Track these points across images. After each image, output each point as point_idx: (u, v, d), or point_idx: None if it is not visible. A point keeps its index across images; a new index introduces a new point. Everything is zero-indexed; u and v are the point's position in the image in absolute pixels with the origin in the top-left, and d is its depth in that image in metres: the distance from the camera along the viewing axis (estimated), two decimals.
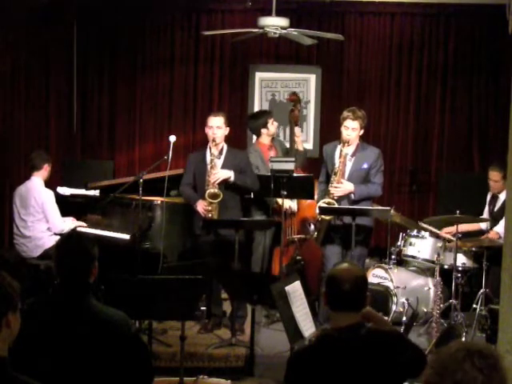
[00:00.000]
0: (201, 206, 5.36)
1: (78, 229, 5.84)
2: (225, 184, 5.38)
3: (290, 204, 6.07)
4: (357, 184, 5.38)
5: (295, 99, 6.38)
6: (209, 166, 5.37)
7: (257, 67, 7.42)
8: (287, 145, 6.33)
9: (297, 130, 6.26)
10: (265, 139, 6.22)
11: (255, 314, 4.66)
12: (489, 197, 6.04)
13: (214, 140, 5.36)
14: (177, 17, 7.41)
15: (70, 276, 2.74)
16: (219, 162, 5.43)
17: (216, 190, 5.31)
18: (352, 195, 5.38)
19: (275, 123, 6.24)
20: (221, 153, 5.46)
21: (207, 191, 5.31)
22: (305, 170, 6.21)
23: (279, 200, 5.74)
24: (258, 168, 5.96)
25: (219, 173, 5.34)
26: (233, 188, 5.44)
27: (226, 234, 5.39)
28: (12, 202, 6.06)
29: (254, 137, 6.48)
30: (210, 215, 5.34)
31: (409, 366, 2.56)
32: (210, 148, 5.44)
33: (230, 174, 5.36)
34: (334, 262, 5.11)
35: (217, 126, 5.38)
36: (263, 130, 6.21)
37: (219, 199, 5.31)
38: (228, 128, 5.48)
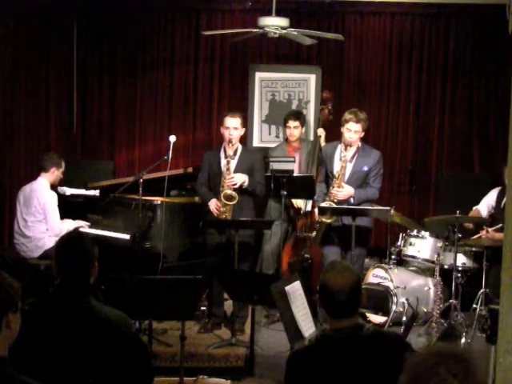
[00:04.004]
0: (213, 205, 5.39)
1: (80, 229, 5.85)
2: (239, 187, 5.43)
3: (301, 203, 6.08)
4: (356, 186, 5.40)
5: (327, 98, 6.34)
6: (224, 168, 5.41)
7: (257, 67, 7.42)
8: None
9: (320, 129, 6.25)
10: (290, 140, 6.28)
11: (255, 314, 4.66)
12: (496, 192, 5.99)
13: (230, 141, 5.39)
14: (177, 17, 7.41)
15: (70, 276, 2.74)
16: (233, 163, 5.46)
17: (232, 192, 5.34)
18: (351, 199, 5.39)
19: (294, 130, 6.23)
20: (235, 153, 5.48)
21: (223, 192, 5.34)
22: None
23: (294, 200, 5.77)
24: None
25: (235, 178, 5.36)
26: (248, 190, 5.49)
27: (239, 234, 5.37)
28: (13, 201, 6.08)
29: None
30: (223, 216, 5.37)
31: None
32: (225, 148, 5.47)
33: (244, 179, 5.40)
34: None
35: (234, 127, 5.41)
36: (285, 130, 6.29)
37: (234, 201, 5.35)
38: (244, 129, 5.53)
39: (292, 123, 6.23)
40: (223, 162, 5.45)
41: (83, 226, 5.92)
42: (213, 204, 5.40)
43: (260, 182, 5.53)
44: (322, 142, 6.27)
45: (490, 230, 5.66)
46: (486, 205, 6.04)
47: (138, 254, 5.36)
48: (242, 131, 5.51)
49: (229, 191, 5.34)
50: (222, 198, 5.34)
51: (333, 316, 2.62)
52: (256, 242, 5.98)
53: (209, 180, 5.58)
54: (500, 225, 5.52)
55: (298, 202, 6.04)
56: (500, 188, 5.96)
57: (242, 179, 5.39)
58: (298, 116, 6.32)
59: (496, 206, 5.95)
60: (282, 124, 6.56)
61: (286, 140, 6.41)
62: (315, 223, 5.60)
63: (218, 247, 5.50)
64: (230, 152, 5.42)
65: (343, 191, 5.34)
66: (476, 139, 7.30)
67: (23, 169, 7.33)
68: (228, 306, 5.75)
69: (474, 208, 6.06)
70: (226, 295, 5.64)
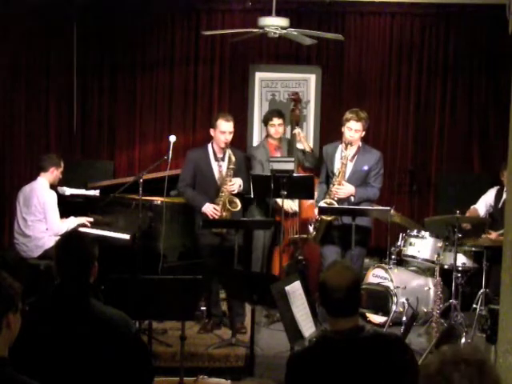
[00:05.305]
0: (211, 210, 5.38)
1: (80, 229, 5.84)
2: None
3: (290, 204, 6.08)
4: (357, 185, 5.40)
5: (296, 99, 6.39)
6: (219, 173, 5.47)
7: (257, 67, 7.42)
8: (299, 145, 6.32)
9: (298, 130, 6.25)
10: (271, 138, 6.26)
11: (255, 314, 4.66)
12: (495, 191, 6.00)
13: (226, 145, 5.42)
14: (177, 17, 7.41)
15: (70, 276, 2.74)
16: (223, 165, 5.48)
17: (236, 199, 5.42)
18: (352, 198, 5.40)
19: (279, 128, 6.20)
20: (224, 154, 5.51)
21: (226, 198, 5.39)
22: (313, 170, 6.21)
23: (279, 200, 5.75)
24: (262, 164, 6.02)
25: (236, 184, 5.43)
26: (239, 193, 5.56)
27: (227, 235, 5.42)
28: (13, 201, 6.08)
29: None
30: None
31: (405, 370, 2.55)
32: (215, 151, 5.48)
33: (240, 183, 5.51)
34: None
35: (229, 132, 5.45)
36: (268, 128, 6.26)
37: (238, 208, 5.42)
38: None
39: (277, 121, 6.20)
40: (214, 165, 5.49)
41: (86, 223, 5.92)
42: (210, 209, 5.41)
43: (246, 181, 5.61)
44: (304, 142, 6.27)
45: (493, 234, 5.66)
46: (484, 204, 6.05)
47: (138, 254, 5.36)
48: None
49: (233, 198, 5.42)
50: (227, 205, 5.38)
51: (331, 314, 2.62)
52: (247, 244, 6.00)
53: (194, 180, 5.58)
54: (501, 231, 5.52)
55: (290, 204, 6.04)
56: (498, 187, 5.98)
57: (239, 184, 5.45)
58: (282, 113, 6.31)
59: (494, 206, 5.97)
60: (263, 123, 6.51)
61: (266, 138, 6.38)
62: (314, 222, 5.59)
63: (211, 248, 5.50)
64: (220, 155, 5.47)
65: (344, 188, 5.35)
66: (476, 139, 7.31)
67: (23, 169, 7.33)
68: (225, 305, 5.76)
69: (472, 207, 6.06)
70: (221, 294, 5.66)
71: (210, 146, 5.57)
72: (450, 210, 5.62)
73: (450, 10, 7.17)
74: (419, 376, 1.73)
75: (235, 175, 5.48)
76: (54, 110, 7.43)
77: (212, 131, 5.51)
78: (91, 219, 5.99)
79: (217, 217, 5.39)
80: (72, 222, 5.85)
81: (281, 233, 5.77)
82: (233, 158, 5.40)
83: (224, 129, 5.41)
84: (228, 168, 5.43)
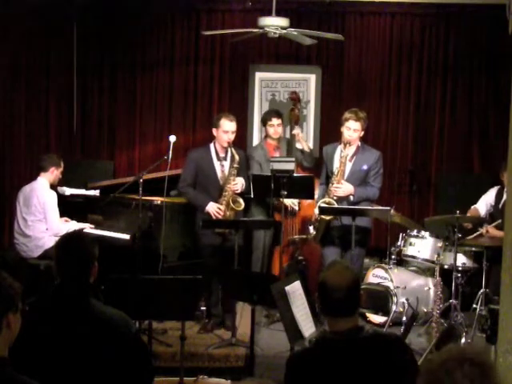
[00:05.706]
0: (215, 210, 5.40)
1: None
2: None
3: (292, 202, 6.07)
4: (356, 185, 5.41)
5: (295, 98, 6.39)
6: (221, 173, 5.49)
7: (257, 67, 7.42)
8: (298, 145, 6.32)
9: (297, 129, 6.25)
10: (270, 139, 6.26)
11: (255, 314, 4.66)
12: (495, 191, 6.00)
13: (229, 144, 5.45)
14: (177, 17, 7.41)
15: (70, 276, 2.74)
16: (226, 164, 5.50)
17: (240, 199, 5.46)
18: (351, 197, 5.41)
19: (278, 128, 6.20)
20: (226, 154, 5.53)
21: (230, 198, 5.43)
22: (312, 170, 6.21)
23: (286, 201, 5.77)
24: (260, 165, 6.02)
25: (239, 183, 5.45)
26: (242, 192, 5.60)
27: (229, 235, 5.43)
28: (13, 201, 6.08)
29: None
30: None
31: (405, 370, 2.55)
32: (217, 150, 5.49)
33: (243, 182, 5.51)
34: None
35: (232, 131, 5.47)
36: (266, 129, 6.26)
37: (241, 207, 5.47)
38: None
39: (276, 121, 6.20)
40: (217, 165, 5.51)
41: (87, 229, 5.91)
42: (214, 208, 5.42)
43: (246, 181, 5.63)
44: (303, 141, 6.26)
45: (489, 227, 5.67)
46: (484, 203, 6.05)
47: (138, 254, 5.36)
48: None
49: (237, 197, 5.45)
50: (231, 204, 5.39)
51: (330, 315, 2.62)
52: (247, 244, 6.00)
53: (195, 180, 5.59)
54: (499, 220, 5.53)
55: (287, 201, 6.05)
56: (498, 187, 5.98)
57: (242, 183, 5.47)
58: (280, 113, 6.30)
59: (494, 206, 5.97)
60: (262, 123, 6.50)
61: (265, 138, 6.38)
62: (314, 222, 5.59)
63: (212, 248, 5.50)
64: (222, 154, 5.50)
65: (342, 187, 5.36)
66: (476, 139, 7.31)
67: (23, 169, 7.33)
68: None
69: (473, 207, 6.07)
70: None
71: (212, 145, 5.59)
72: (450, 210, 5.62)
73: (450, 9, 7.17)
74: (421, 371, 1.73)
75: (238, 175, 5.50)
76: (54, 110, 7.43)
77: (214, 131, 5.53)
78: (92, 226, 5.97)
79: (220, 216, 5.40)
80: (73, 226, 5.84)
81: (281, 233, 5.77)
82: (236, 157, 5.42)
83: (227, 128, 5.44)
84: (232, 167, 5.45)
